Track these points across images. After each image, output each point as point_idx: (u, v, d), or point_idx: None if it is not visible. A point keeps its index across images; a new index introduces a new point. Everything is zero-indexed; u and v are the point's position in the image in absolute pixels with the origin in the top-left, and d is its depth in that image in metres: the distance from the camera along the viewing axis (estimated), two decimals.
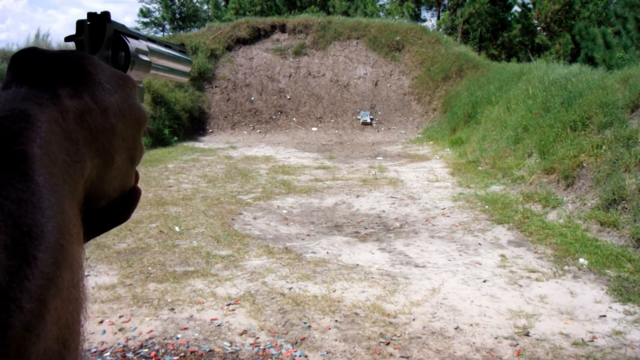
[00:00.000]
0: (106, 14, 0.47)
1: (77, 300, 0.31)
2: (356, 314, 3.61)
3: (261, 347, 3.17)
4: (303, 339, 3.26)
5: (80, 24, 0.47)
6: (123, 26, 0.50)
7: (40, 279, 0.27)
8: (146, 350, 3.16)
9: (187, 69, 0.70)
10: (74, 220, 0.32)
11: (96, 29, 0.47)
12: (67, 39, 0.47)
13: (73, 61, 0.39)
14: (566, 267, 4.46)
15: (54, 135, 0.33)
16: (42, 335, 0.26)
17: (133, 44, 0.50)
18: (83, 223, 0.36)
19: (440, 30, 23.46)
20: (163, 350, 3.16)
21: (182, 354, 3.12)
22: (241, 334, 3.34)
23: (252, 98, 16.16)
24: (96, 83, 0.39)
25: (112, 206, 0.42)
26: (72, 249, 0.30)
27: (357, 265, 4.59)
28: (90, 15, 0.47)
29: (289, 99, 16.32)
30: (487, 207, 6.44)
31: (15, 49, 11.22)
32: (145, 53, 0.53)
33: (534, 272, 4.38)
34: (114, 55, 0.49)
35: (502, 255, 4.79)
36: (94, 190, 0.38)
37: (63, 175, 0.33)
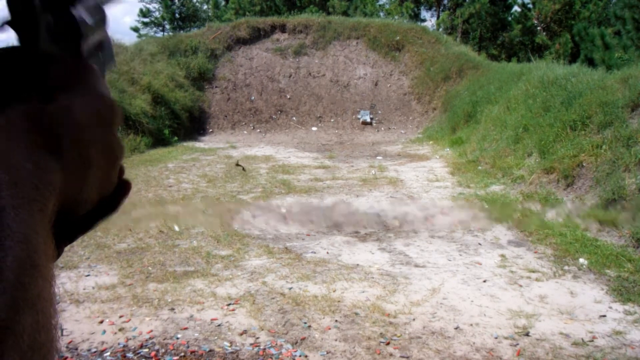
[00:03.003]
0: None
1: (44, 347, 0.26)
2: (356, 314, 3.61)
3: (261, 347, 3.17)
4: (303, 339, 3.26)
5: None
6: None
7: None
8: (146, 350, 3.16)
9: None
10: (42, 246, 0.28)
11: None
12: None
13: (24, 57, 0.35)
14: (566, 267, 4.46)
15: (14, 146, 0.29)
16: None
17: (83, 2, 0.42)
18: (65, 227, 0.33)
19: (440, 30, 23.46)
20: (163, 350, 3.16)
21: (182, 354, 3.12)
22: (241, 334, 3.34)
23: (252, 98, 16.16)
24: (53, 79, 0.35)
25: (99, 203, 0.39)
26: (36, 286, 0.26)
27: (357, 265, 4.59)
28: None
29: (289, 98, 16.32)
30: (487, 206, 6.44)
31: None
32: (96, 6, 0.44)
33: (534, 272, 4.38)
34: (57, 21, 0.40)
35: (502, 255, 4.79)
36: (71, 201, 0.34)
37: (28, 192, 0.28)
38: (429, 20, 27.15)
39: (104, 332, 3.35)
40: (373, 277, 4.27)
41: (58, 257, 0.35)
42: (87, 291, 3.98)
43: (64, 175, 0.32)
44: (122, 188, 0.41)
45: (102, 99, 0.38)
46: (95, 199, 0.38)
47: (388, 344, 3.20)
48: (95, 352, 3.13)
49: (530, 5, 23.94)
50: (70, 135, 0.34)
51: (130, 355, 3.10)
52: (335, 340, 3.25)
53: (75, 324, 3.46)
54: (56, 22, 0.40)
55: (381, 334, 3.33)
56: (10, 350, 0.23)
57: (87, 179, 0.36)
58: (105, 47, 0.46)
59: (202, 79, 16.10)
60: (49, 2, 0.40)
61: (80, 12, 0.41)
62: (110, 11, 0.46)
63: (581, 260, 4.55)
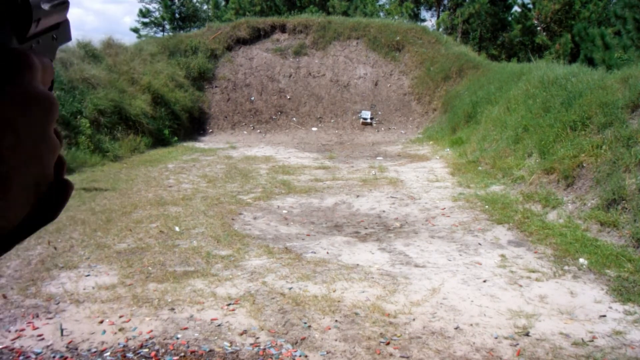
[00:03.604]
0: None
1: None
2: (356, 313, 3.61)
3: (261, 347, 3.17)
4: (303, 339, 3.26)
5: None
6: None
7: None
8: (146, 350, 3.16)
9: None
10: None
11: None
12: None
13: None
14: (566, 267, 4.46)
15: None
16: None
17: None
18: None
19: (440, 30, 23.46)
20: (163, 350, 3.16)
21: (182, 354, 3.12)
22: (241, 334, 3.34)
23: (252, 98, 16.16)
24: None
25: (36, 205, 0.35)
26: None
27: (357, 265, 4.59)
28: None
29: (289, 99, 16.32)
30: (487, 207, 6.44)
31: None
32: None
33: (534, 272, 4.38)
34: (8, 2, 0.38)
35: (502, 255, 4.79)
36: None
37: None
38: (429, 20, 27.15)
39: (104, 332, 3.35)
40: (373, 277, 4.27)
41: None
42: (87, 291, 3.98)
43: None
44: (63, 190, 0.37)
45: (38, 96, 0.34)
46: (19, 217, 0.34)
47: (388, 344, 3.20)
48: (95, 352, 3.13)
49: (530, 5, 23.94)
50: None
51: (130, 355, 3.10)
52: (335, 340, 3.26)
53: (75, 324, 3.47)
54: (7, 4, 0.38)
55: (381, 334, 3.33)
56: None
57: (7, 201, 0.32)
58: (61, 26, 0.45)
59: (202, 79, 16.10)
60: None
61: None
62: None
63: (581, 260, 4.55)
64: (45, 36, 0.43)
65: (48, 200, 0.36)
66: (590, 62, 11.94)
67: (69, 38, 0.46)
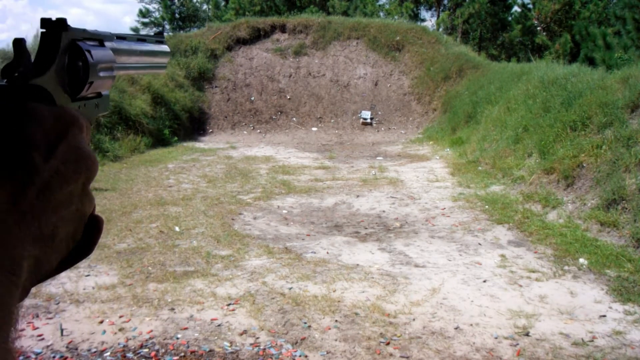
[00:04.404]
0: (62, 21, 0.42)
1: None
2: (356, 314, 3.61)
3: (261, 347, 3.17)
4: (303, 339, 3.26)
5: (18, 44, 0.40)
6: (84, 31, 0.45)
7: None
8: (146, 350, 3.16)
9: (163, 60, 0.66)
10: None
11: (51, 37, 0.41)
12: (4, 72, 0.39)
13: (8, 129, 0.33)
14: (566, 267, 4.46)
15: None
16: None
17: (96, 55, 0.45)
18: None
19: (440, 30, 23.47)
20: (163, 350, 3.16)
21: (182, 354, 3.12)
22: (241, 334, 3.34)
23: (252, 98, 16.16)
24: (34, 147, 0.33)
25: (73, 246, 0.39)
26: None
27: (357, 265, 4.59)
28: (44, 21, 0.41)
29: (289, 99, 16.32)
30: (487, 207, 6.44)
31: None
32: (108, 66, 0.48)
33: (534, 272, 4.38)
34: (71, 64, 0.43)
35: (502, 255, 4.80)
36: (37, 268, 0.34)
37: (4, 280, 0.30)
38: (429, 20, 27.13)
39: (104, 332, 3.35)
40: (373, 277, 4.28)
41: (25, 296, 0.36)
42: (87, 291, 3.98)
43: (31, 261, 0.33)
44: (94, 226, 0.40)
45: (83, 156, 0.37)
46: (60, 258, 0.37)
47: (388, 344, 3.20)
48: (95, 352, 3.13)
49: (530, 6, 23.95)
50: (46, 212, 0.34)
51: (130, 355, 3.10)
52: (335, 340, 3.26)
53: (75, 324, 3.47)
54: (70, 66, 0.43)
55: (381, 334, 3.33)
56: None
57: (52, 248, 0.36)
58: (103, 96, 0.50)
59: (202, 79, 16.09)
60: (73, 48, 0.43)
61: (96, 65, 0.45)
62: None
63: (581, 260, 4.55)
64: (90, 102, 0.47)
65: (82, 238, 0.40)
66: (591, 62, 11.94)
67: (107, 109, 0.51)
